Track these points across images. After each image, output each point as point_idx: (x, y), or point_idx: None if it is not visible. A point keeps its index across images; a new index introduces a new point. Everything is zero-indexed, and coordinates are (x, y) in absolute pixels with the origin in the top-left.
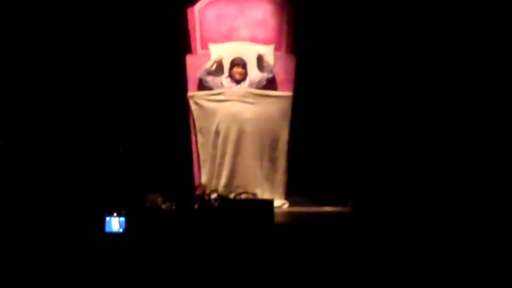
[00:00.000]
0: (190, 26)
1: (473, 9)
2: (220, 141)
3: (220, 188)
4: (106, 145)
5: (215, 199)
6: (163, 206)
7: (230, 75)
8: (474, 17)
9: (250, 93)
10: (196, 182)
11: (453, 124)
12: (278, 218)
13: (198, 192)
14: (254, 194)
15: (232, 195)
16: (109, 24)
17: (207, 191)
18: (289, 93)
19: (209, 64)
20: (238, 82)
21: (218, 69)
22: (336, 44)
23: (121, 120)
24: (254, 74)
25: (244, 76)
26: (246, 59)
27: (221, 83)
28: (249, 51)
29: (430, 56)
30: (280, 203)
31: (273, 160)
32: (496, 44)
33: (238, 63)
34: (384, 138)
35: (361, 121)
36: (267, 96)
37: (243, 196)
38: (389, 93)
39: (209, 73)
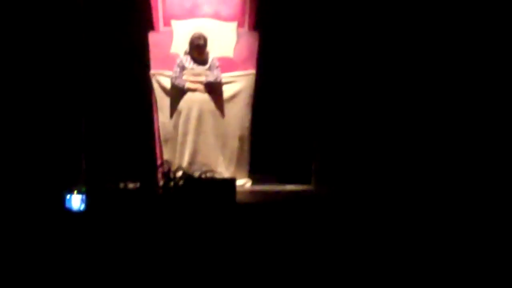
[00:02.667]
0: (152, 3)
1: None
2: (182, 120)
3: (183, 167)
4: (68, 121)
5: (181, 177)
6: (126, 185)
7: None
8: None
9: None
10: (159, 160)
11: (414, 103)
12: (240, 197)
13: (162, 170)
14: (216, 173)
15: (195, 174)
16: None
17: (172, 169)
18: (252, 71)
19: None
20: (197, 61)
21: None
22: (301, 21)
23: (83, 97)
24: (215, 53)
25: (204, 56)
26: (209, 35)
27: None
28: (211, 28)
29: (392, 33)
30: (242, 181)
31: (236, 138)
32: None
33: (198, 39)
34: (346, 116)
35: (324, 100)
36: (229, 77)
37: (207, 174)
38: (353, 70)
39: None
